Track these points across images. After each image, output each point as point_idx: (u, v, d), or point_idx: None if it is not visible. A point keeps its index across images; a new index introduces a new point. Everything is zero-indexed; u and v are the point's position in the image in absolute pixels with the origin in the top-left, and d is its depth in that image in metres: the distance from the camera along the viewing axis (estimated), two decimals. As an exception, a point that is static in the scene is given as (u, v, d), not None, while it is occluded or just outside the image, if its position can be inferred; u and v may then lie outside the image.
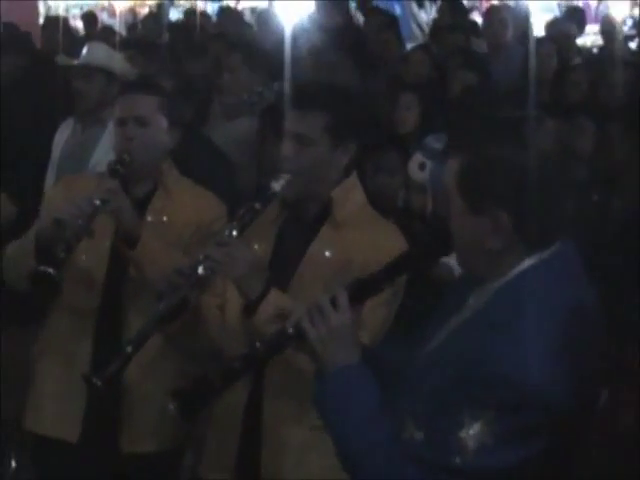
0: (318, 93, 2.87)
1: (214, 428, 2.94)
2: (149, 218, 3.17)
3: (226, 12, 9.20)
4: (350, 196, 2.85)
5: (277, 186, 2.75)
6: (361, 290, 2.11)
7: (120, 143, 3.20)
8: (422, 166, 3.93)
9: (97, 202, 2.94)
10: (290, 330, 2.10)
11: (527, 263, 1.96)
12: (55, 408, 3.21)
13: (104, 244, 3.15)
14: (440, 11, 8.43)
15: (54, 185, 3.51)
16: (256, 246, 2.83)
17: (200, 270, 2.66)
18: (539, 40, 6.53)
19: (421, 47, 6.85)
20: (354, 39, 6.52)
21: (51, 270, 2.82)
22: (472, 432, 1.84)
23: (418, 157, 4.16)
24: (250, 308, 2.66)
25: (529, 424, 1.85)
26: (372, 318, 2.61)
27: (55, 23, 8.07)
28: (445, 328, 2.05)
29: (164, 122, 3.24)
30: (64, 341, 3.19)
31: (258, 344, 2.12)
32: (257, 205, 2.74)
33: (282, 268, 2.81)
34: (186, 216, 3.19)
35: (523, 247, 1.96)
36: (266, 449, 2.81)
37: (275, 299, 2.63)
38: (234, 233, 2.70)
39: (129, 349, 2.73)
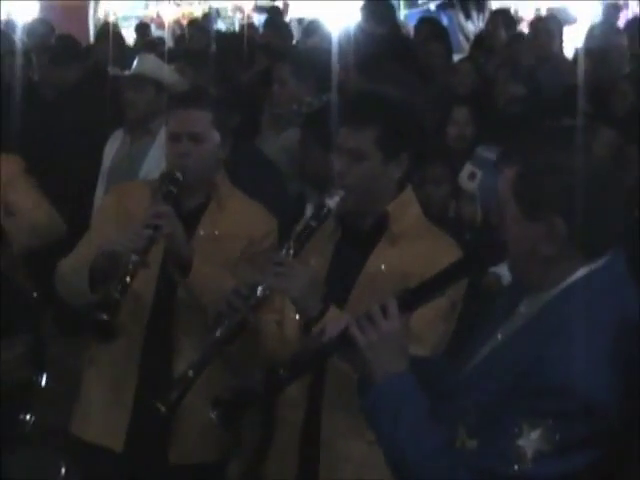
0: (368, 107, 2.88)
1: (274, 441, 2.96)
2: (201, 232, 3.17)
3: (272, 23, 9.23)
4: (406, 209, 2.85)
5: (332, 203, 2.75)
6: (411, 299, 2.13)
7: (174, 159, 3.18)
8: (472, 176, 3.93)
9: (150, 232, 2.93)
10: (337, 337, 2.11)
11: (580, 272, 1.99)
12: (101, 416, 3.25)
13: (154, 269, 3.13)
14: (489, 23, 8.39)
15: (106, 194, 3.51)
16: (313, 262, 2.83)
17: (259, 291, 2.68)
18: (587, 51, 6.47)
19: (468, 58, 6.84)
20: (402, 49, 6.52)
21: (105, 316, 2.83)
22: (530, 441, 1.86)
23: (469, 167, 4.16)
24: (309, 326, 2.65)
25: (586, 433, 1.87)
26: (431, 332, 2.62)
27: (106, 34, 8.16)
28: (496, 337, 2.08)
29: (217, 137, 3.21)
30: (114, 352, 3.21)
31: (304, 353, 2.14)
32: (313, 222, 2.76)
33: (339, 284, 2.81)
34: (238, 230, 3.19)
35: (576, 255, 1.99)
36: (324, 464, 2.81)
37: (334, 316, 2.61)
38: (291, 252, 2.72)
39: (190, 373, 2.76)
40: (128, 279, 2.88)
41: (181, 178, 3.09)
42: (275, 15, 10.50)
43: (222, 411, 2.13)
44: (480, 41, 7.75)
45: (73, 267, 3.14)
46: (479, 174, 4.14)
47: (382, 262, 2.78)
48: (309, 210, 3.91)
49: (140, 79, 4.89)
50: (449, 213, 4.06)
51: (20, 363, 4.03)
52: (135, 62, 5.16)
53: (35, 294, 4.14)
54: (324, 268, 2.85)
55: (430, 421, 2.02)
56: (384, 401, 2.04)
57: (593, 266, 1.99)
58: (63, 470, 4.07)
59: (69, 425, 3.37)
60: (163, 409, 2.71)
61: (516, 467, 1.87)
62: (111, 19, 11.23)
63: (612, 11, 8.84)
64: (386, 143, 2.76)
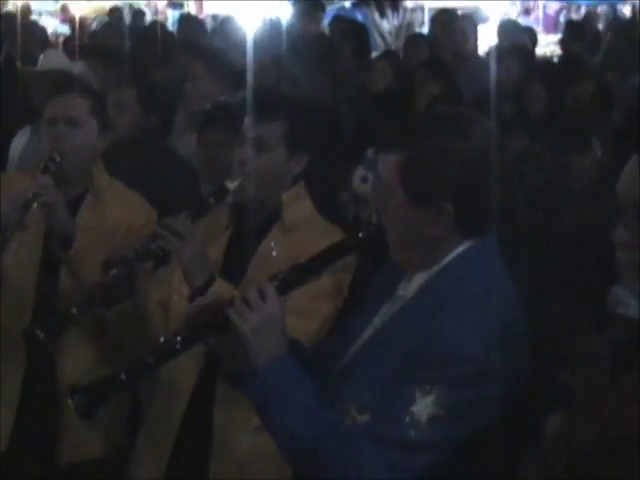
0: (280, 101, 2.94)
1: (148, 431, 2.96)
2: (79, 222, 3.13)
3: (186, 20, 9.11)
4: (299, 201, 2.91)
5: (230, 185, 2.80)
6: (286, 281, 2.12)
7: (50, 143, 3.16)
8: (364, 179, 3.94)
9: (29, 195, 2.91)
10: (212, 322, 2.07)
11: (460, 249, 2.07)
12: None
13: (36, 246, 3.11)
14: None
15: None
16: (208, 251, 2.82)
17: (152, 246, 2.70)
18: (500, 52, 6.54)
19: (385, 56, 6.84)
20: (323, 48, 6.51)
21: None
22: (424, 406, 1.92)
23: (360, 171, 4.17)
24: (195, 297, 2.60)
25: (477, 397, 1.95)
26: (314, 308, 2.69)
27: (15, 29, 7.94)
28: (379, 318, 2.13)
29: (95, 125, 3.21)
30: None
31: (178, 337, 2.07)
32: (211, 199, 2.81)
33: (233, 271, 2.83)
34: (116, 220, 3.18)
35: (456, 235, 2.06)
36: (213, 455, 2.80)
37: (220, 288, 2.63)
38: (187, 219, 2.74)
39: (74, 310, 2.77)
40: (8, 234, 2.88)
41: (58, 159, 3.08)
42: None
43: (81, 399, 2.05)
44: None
45: None
46: (371, 177, 4.15)
47: (273, 249, 2.84)
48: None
49: (53, 74, 4.75)
50: (348, 217, 4.07)
51: None
52: (42, 58, 5.04)
53: None
54: (219, 258, 2.88)
55: (318, 401, 2.02)
56: (270, 386, 2.02)
57: (470, 243, 2.07)
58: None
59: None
60: (42, 336, 2.71)
61: (413, 432, 1.92)
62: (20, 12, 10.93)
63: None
64: (292, 138, 2.83)
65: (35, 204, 2.92)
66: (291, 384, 2.02)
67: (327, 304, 2.78)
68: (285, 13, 8.27)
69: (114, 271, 2.73)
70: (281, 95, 3.17)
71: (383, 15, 9.37)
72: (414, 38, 8.01)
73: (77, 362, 3.09)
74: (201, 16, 11.22)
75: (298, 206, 2.90)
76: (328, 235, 2.78)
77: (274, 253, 2.83)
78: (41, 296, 3.13)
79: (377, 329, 2.12)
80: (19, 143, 4.94)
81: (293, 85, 4.88)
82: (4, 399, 3.10)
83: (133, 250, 2.72)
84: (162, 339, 2.12)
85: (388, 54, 7.16)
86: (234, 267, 2.86)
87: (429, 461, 1.95)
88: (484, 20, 9.15)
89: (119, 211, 3.21)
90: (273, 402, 2.02)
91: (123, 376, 2.06)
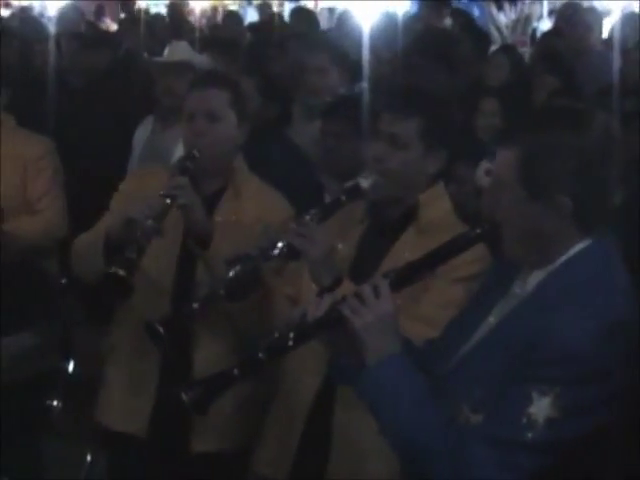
0: (417, 97, 2.87)
1: (274, 429, 2.96)
2: (218, 217, 3.13)
3: (298, 12, 9.16)
4: (436, 202, 2.85)
5: (365, 183, 2.74)
6: (400, 278, 2.11)
7: (189, 138, 3.15)
8: (488, 172, 3.89)
9: (167, 201, 2.90)
10: (323, 318, 2.06)
11: (578, 247, 2.03)
12: (123, 402, 3.23)
13: (174, 246, 3.12)
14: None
15: (125, 180, 3.48)
16: (340, 246, 2.82)
17: (279, 245, 2.67)
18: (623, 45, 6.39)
19: (503, 50, 6.76)
20: (445, 42, 6.46)
21: (122, 272, 2.77)
22: (540, 408, 1.90)
23: (484, 164, 4.13)
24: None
25: (594, 398, 1.92)
26: (441, 317, 2.57)
27: (137, 21, 8.16)
28: (493, 316, 2.10)
29: (234, 118, 3.17)
30: (134, 337, 3.16)
31: (291, 334, 2.07)
32: (343, 197, 2.76)
33: (363, 270, 2.77)
34: (254, 216, 3.15)
35: (574, 232, 2.03)
36: (333, 453, 2.80)
37: (347, 290, 2.57)
38: (315, 219, 2.72)
39: (195, 305, 2.74)
40: (144, 242, 2.84)
41: (197, 155, 3.07)
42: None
43: (194, 393, 2.07)
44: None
45: (88, 241, 3.13)
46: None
47: (406, 250, 2.76)
48: (328, 199, 3.91)
49: (179, 66, 4.84)
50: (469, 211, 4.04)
51: (48, 350, 4.03)
52: (168, 50, 5.12)
53: (64, 281, 4.13)
54: (350, 254, 2.84)
55: (431, 400, 2.00)
56: (383, 382, 2.00)
57: (588, 241, 2.03)
58: (89, 457, 4.09)
59: (94, 412, 3.35)
60: (161, 330, 2.70)
61: (529, 434, 1.90)
62: (142, 5, 11.22)
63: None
64: (429, 136, 2.76)
65: (173, 208, 2.91)
66: (404, 381, 2.01)
67: (454, 313, 2.67)
68: (400, 6, 8.26)
69: (238, 267, 2.70)
70: (417, 91, 3.07)
71: (500, 8, 9.26)
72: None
73: (211, 352, 3.10)
74: (317, 9, 11.29)
75: (435, 207, 2.83)
76: None
77: (407, 254, 2.72)
78: (178, 294, 3.14)
79: (491, 327, 2.10)
80: (142, 133, 5.03)
81: (425, 79, 4.84)
82: (143, 387, 3.17)
83: (258, 248, 2.70)
84: (276, 334, 2.12)
85: (506, 48, 7.08)
86: (365, 265, 2.80)
87: (543, 462, 1.93)
88: (607, 13, 8.95)
89: (257, 207, 3.17)
90: (385, 399, 2.01)
91: (236, 371, 2.07)
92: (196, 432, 3.15)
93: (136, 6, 11.06)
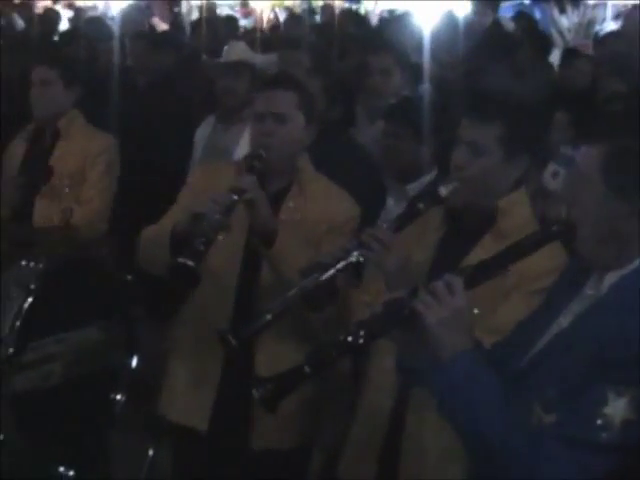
0: (495, 102, 2.85)
1: (357, 432, 2.94)
2: (282, 216, 3.16)
3: (347, 14, 9.17)
4: (516, 208, 2.81)
5: (444, 190, 2.73)
6: (474, 276, 2.10)
7: (257, 139, 3.19)
8: (555, 174, 3.88)
9: (234, 197, 2.92)
10: (395, 314, 2.05)
11: None
12: (186, 396, 3.26)
13: (238, 243, 3.15)
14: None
15: (192, 173, 3.53)
16: (417, 252, 2.81)
17: (354, 256, 2.66)
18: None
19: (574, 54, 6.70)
20: (508, 45, 6.43)
21: (191, 262, 2.79)
22: (617, 409, 1.88)
23: (552, 166, 4.11)
24: None
25: None
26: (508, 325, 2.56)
27: (200, 22, 8.24)
28: (564, 316, 2.09)
29: (302, 119, 3.20)
30: (198, 333, 3.22)
31: (361, 332, 2.05)
32: (421, 205, 2.74)
33: (440, 276, 2.76)
34: (319, 215, 3.17)
35: None
36: (406, 457, 2.79)
37: None
38: (393, 228, 2.72)
39: (268, 317, 2.73)
40: (212, 235, 2.86)
41: (264, 155, 3.10)
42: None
43: (265, 390, 2.06)
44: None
45: (155, 233, 3.17)
46: (562, 173, 4.08)
47: (484, 257, 2.72)
48: (390, 201, 3.93)
49: (237, 66, 4.89)
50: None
51: (112, 345, 4.09)
52: (227, 50, 5.15)
53: (129, 277, 4.19)
54: (428, 260, 2.82)
55: (505, 398, 1.99)
56: (457, 378, 1.98)
57: None
58: (151, 451, 4.14)
59: (157, 406, 3.39)
60: (234, 342, 2.70)
61: (604, 435, 1.88)
62: (204, 8, 11.29)
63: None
64: (509, 141, 2.73)
65: (239, 204, 2.94)
66: (478, 378, 1.99)
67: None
68: (459, 8, 8.23)
69: (313, 277, 2.69)
70: (497, 96, 3.05)
71: (563, 11, 9.19)
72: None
73: (274, 350, 3.11)
74: (377, 11, 11.29)
75: (515, 213, 2.79)
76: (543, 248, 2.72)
77: None
78: (242, 292, 3.17)
79: (563, 328, 2.09)
80: (203, 132, 5.07)
81: (504, 83, 4.82)
82: (206, 382, 3.21)
83: (332, 257, 2.70)
84: (347, 332, 2.10)
85: (575, 52, 7.02)
86: (442, 272, 2.78)
87: (618, 463, 1.91)
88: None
89: (322, 206, 3.19)
90: (459, 396, 1.99)
91: (307, 368, 2.06)
92: (257, 428, 3.17)
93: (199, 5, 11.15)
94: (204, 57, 7.10)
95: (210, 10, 10.50)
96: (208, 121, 5.08)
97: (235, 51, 5.11)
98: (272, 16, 11.11)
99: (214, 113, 5.08)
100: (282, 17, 10.93)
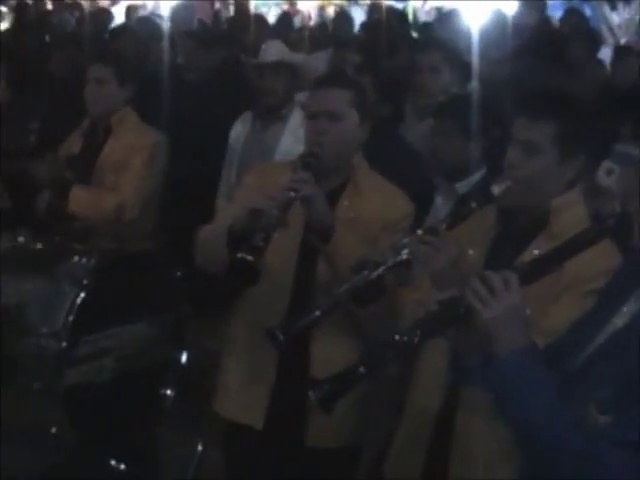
0: (550, 100, 2.80)
1: (404, 431, 2.94)
2: (338, 214, 3.15)
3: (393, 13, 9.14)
4: (570, 209, 2.77)
5: (497, 189, 2.70)
6: (530, 272, 2.07)
7: (312, 137, 3.18)
8: (610, 172, 3.84)
9: (291, 194, 2.92)
10: (449, 310, 2.04)
11: None
12: (241, 394, 3.27)
13: (294, 241, 3.15)
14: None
15: (248, 174, 3.54)
16: (470, 252, 2.79)
17: (403, 254, 2.66)
18: None
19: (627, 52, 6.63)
20: (557, 42, 6.39)
21: (250, 257, 2.78)
22: None
23: (607, 164, 4.07)
24: None
25: None
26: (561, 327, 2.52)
27: (247, 20, 8.27)
28: (619, 317, 2.04)
29: (356, 117, 3.19)
30: (253, 330, 3.21)
31: (417, 331, 2.04)
32: (473, 204, 2.72)
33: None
34: (374, 213, 3.17)
35: None
36: (454, 457, 2.78)
37: None
38: (443, 227, 2.70)
39: (317, 313, 2.72)
40: (270, 230, 2.85)
41: (319, 152, 3.10)
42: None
43: (321, 391, 2.06)
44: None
45: (212, 232, 3.17)
46: (617, 170, 4.04)
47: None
48: (439, 199, 3.92)
49: (275, 66, 4.88)
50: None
51: (162, 340, 4.14)
52: (263, 50, 5.12)
53: (179, 274, 4.23)
54: (481, 259, 2.80)
55: (560, 397, 1.97)
56: (513, 375, 1.96)
57: None
58: (200, 447, 4.17)
59: (211, 402, 3.39)
60: (281, 338, 2.68)
61: None
62: (252, 6, 11.35)
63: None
64: (564, 140, 2.69)
65: (296, 200, 2.93)
66: (534, 376, 1.97)
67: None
68: (507, 6, 8.19)
69: (362, 274, 2.69)
70: (553, 93, 2.99)
71: (614, 8, 9.11)
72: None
73: (329, 349, 3.11)
74: (425, 8, 11.26)
75: (569, 213, 2.75)
76: (599, 247, 2.58)
77: None
78: (298, 289, 3.17)
79: (618, 328, 2.05)
80: (239, 130, 5.03)
81: (556, 82, 4.78)
82: (261, 380, 3.21)
83: (382, 254, 2.69)
84: (403, 332, 2.09)
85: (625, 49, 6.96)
86: (495, 271, 2.79)
87: None
88: None
89: (377, 203, 3.19)
90: (515, 392, 1.97)
91: (362, 369, 2.05)
92: (311, 427, 3.18)
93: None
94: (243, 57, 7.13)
95: (243, 8, 10.50)
96: (244, 118, 5.03)
97: (271, 51, 5.09)
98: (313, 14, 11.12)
99: (246, 111, 5.03)
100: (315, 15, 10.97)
